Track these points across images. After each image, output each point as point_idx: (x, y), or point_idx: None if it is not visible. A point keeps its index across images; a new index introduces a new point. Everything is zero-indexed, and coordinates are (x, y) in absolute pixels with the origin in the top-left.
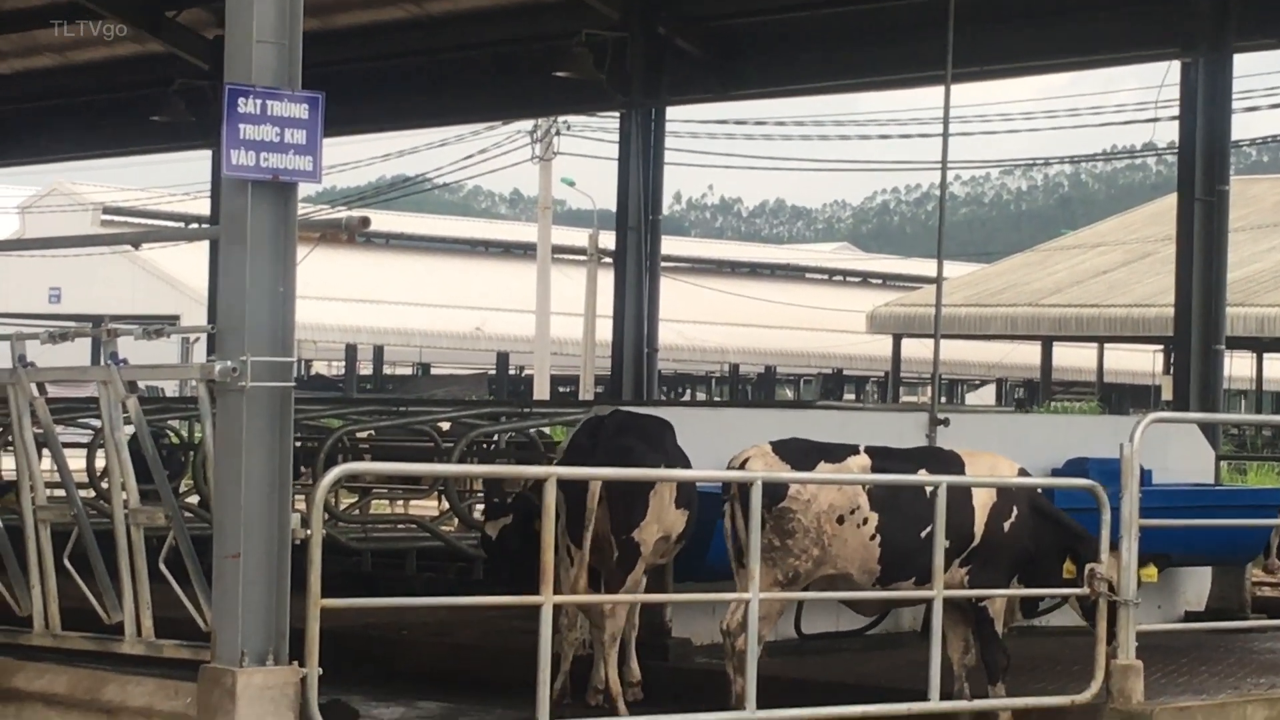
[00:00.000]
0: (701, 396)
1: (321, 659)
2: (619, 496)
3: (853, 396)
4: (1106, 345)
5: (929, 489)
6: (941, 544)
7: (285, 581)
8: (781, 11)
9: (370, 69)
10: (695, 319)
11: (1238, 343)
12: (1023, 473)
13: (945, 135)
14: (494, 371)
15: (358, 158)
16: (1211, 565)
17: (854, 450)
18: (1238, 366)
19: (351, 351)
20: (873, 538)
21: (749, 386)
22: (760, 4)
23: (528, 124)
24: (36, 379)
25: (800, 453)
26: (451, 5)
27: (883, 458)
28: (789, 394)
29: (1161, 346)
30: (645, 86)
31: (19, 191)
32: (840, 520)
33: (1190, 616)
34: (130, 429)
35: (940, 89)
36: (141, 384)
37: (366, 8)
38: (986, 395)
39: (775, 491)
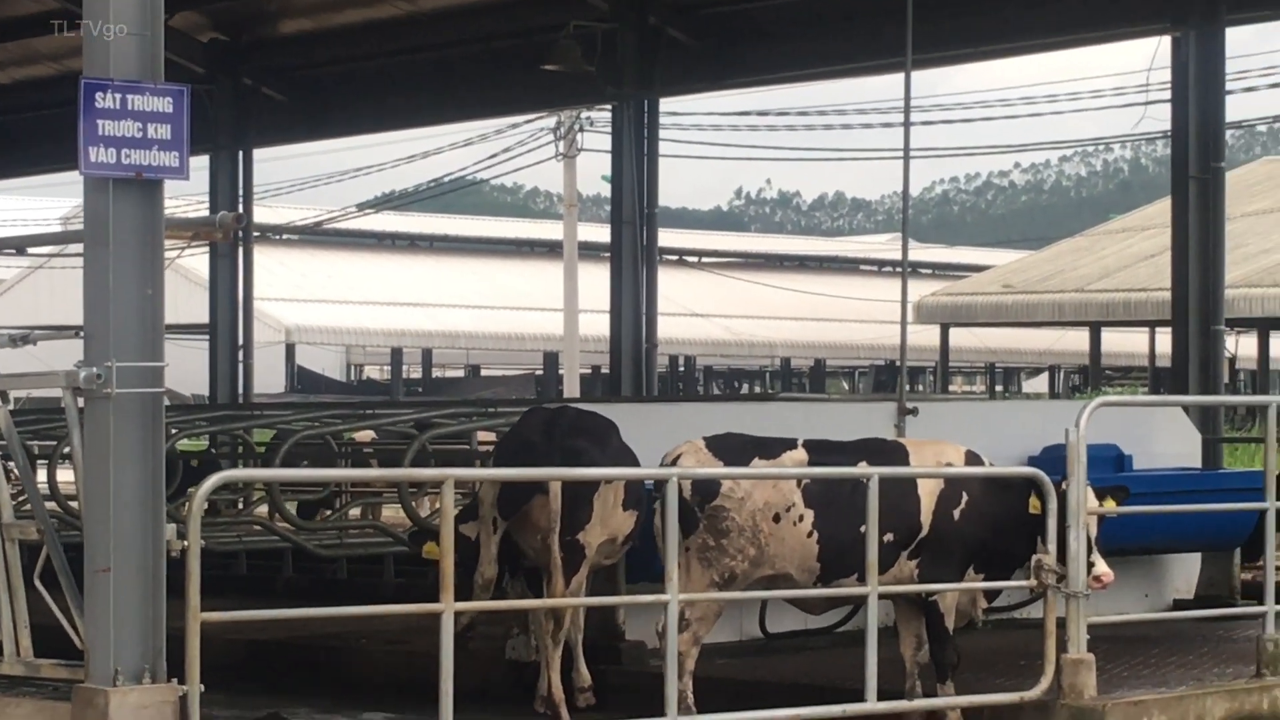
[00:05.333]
0: (759, 390)
1: (279, 669)
2: (564, 498)
3: (908, 388)
4: (1158, 330)
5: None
6: (875, 538)
7: (161, 596)
8: None
9: (367, 68)
10: (746, 314)
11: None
12: (972, 458)
13: (906, 124)
14: (541, 371)
15: (394, 158)
16: (1198, 551)
17: (791, 445)
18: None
19: (397, 355)
20: (810, 535)
21: (805, 380)
22: None
23: (550, 121)
24: None
25: (735, 448)
26: (444, 1)
27: (821, 451)
28: (844, 386)
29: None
30: (637, 78)
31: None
32: (776, 518)
33: (1180, 604)
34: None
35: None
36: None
37: (360, 6)
38: (1041, 384)
39: (708, 489)
